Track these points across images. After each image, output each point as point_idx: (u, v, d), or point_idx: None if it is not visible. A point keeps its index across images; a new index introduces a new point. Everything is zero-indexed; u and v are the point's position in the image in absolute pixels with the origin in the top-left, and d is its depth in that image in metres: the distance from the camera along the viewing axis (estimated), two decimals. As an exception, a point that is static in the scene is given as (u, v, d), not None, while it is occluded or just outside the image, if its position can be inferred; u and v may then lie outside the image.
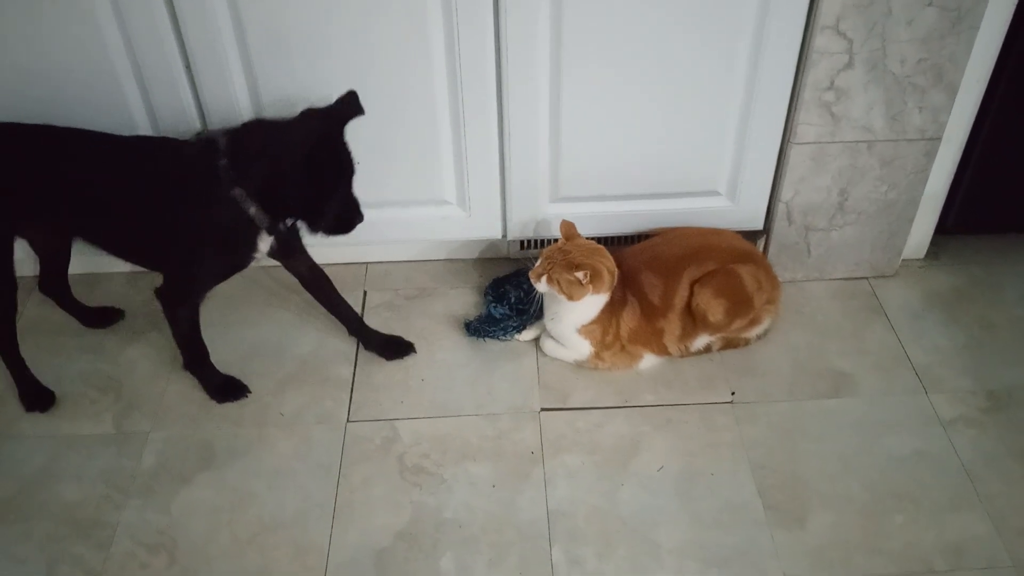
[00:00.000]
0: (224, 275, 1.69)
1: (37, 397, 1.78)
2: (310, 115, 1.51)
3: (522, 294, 1.93)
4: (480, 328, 1.90)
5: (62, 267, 1.87)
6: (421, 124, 1.78)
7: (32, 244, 1.79)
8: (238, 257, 1.62)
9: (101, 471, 1.67)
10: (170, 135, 1.76)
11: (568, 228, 1.80)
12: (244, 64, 1.69)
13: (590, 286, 1.69)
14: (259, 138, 1.50)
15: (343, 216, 1.58)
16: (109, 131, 1.60)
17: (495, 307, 1.93)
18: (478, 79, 1.72)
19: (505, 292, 1.95)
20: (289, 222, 1.59)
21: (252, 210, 1.51)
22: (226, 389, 1.80)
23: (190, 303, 1.69)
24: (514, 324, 1.90)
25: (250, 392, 1.80)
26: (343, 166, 1.54)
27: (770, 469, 1.65)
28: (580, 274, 1.68)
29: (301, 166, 1.46)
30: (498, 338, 1.89)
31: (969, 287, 2.03)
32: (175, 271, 1.66)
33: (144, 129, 1.78)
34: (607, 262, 1.73)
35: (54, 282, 1.89)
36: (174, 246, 1.59)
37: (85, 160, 1.57)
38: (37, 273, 1.88)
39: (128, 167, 1.57)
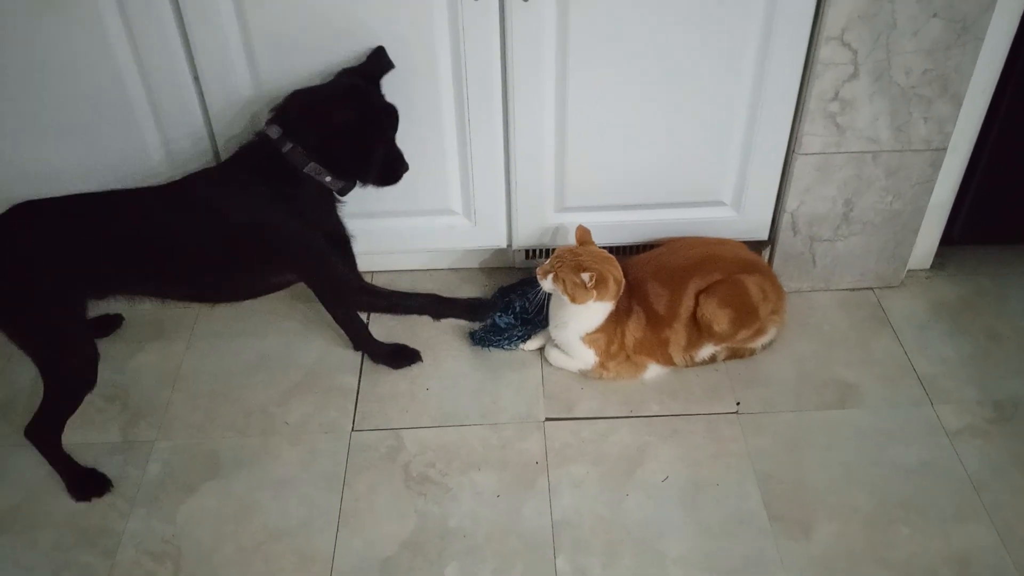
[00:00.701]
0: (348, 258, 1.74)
1: (88, 483, 1.67)
2: (346, 73, 1.61)
3: (527, 304, 1.93)
4: (485, 338, 1.90)
5: None
6: (426, 133, 1.79)
7: None
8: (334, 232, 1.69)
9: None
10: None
11: (583, 234, 1.81)
12: (250, 67, 1.70)
13: (594, 291, 1.70)
14: (307, 107, 1.57)
15: (391, 166, 1.67)
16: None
17: (500, 316, 1.93)
18: (483, 89, 1.72)
19: (510, 302, 1.95)
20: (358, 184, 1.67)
21: (328, 179, 1.60)
22: (400, 354, 1.87)
23: (350, 290, 1.71)
24: (519, 333, 1.90)
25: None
26: (387, 115, 1.62)
27: (775, 479, 1.64)
28: (586, 276, 1.68)
29: (352, 120, 1.55)
30: (503, 347, 1.90)
31: (975, 297, 2.03)
32: (315, 278, 1.70)
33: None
34: (615, 271, 1.73)
35: None
36: (294, 258, 1.66)
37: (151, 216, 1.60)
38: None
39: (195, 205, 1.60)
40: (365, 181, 1.66)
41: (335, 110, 1.56)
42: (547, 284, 1.74)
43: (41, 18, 1.60)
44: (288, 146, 1.56)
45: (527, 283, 1.97)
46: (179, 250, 1.60)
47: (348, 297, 1.74)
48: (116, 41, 1.64)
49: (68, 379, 1.59)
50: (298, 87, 1.61)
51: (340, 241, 1.73)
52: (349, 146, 1.59)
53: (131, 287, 1.65)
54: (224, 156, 1.78)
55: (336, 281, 1.70)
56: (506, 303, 1.96)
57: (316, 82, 1.68)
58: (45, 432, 1.62)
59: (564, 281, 1.71)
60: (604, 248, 1.80)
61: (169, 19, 1.62)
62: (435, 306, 1.80)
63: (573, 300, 1.71)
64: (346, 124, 1.56)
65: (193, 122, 1.75)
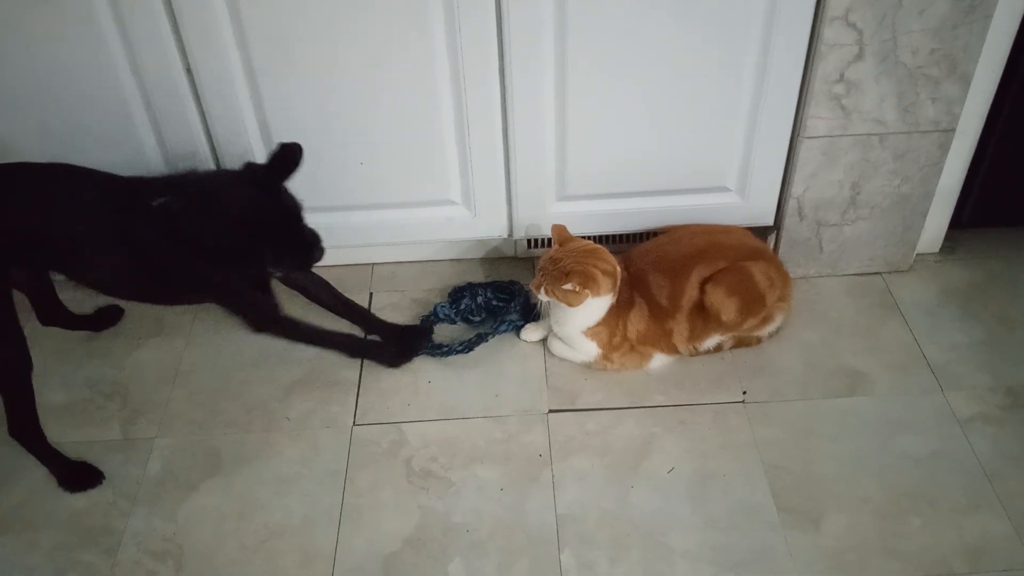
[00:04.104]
0: (260, 286, 1.71)
1: (78, 476, 1.67)
2: (247, 172, 1.54)
3: (473, 304, 1.93)
4: (435, 347, 1.87)
5: (51, 294, 1.85)
6: (424, 123, 1.76)
7: (16, 287, 1.72)
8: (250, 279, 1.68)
9: (108, 478, 1.66)
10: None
11: (560, 232, 1.78)
12: (247, 73, 1.68)
13: (587, 292, 1.67)
14: (196, 199, 1.50)
15: (297, 256, 1.59)
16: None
17: (441, 306, 1.94)
18: (481, 77, 1.69)
19: (459, 298, 1.96)
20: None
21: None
22: (398, 354, 1.83)
23: (266, 320, 1.72)
24: (458, 347, 1.86)
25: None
26: (282, 216, 1.55)
27: (784, 470, 1.62)
28: (568, 285, 1.67)
29: (236, 224, 1.49)
30: (456, 352, 1.86)
31: (986, 282, 1.99)
32: (230, 306, 1.71)
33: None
34: (602, 263, 1.70)
35: (51, 312, 1.87)
36: (206, 288, 1.65)
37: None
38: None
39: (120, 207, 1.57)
40: (272, 270, 1.68)
41: (221, 218, 1.50)
42: (542, 297, 1.73)
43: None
44: (179, 221, 1.50)
45: (476, 286, 1.98)
46: (104, 244, 1.56)
47: (264, 326, 1.74)
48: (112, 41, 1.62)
49: (3, 366, 1.56)
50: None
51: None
52: (235, 250, 1.54)
53: (46, 264, 1.65)
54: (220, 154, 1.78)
55: (251, 310, 1.71)
56: (455, 299, 1.96)
57: (311, 78, 1.66)
58: (22, 427, 1.61)
59: (554, 293, 1.69)
60: (607, 237, 1.78)
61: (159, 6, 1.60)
62: (352, 347, 1.83)
63: (570, 306, 1.69)
64: (235, 250, 1.53)
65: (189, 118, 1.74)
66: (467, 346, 1.86)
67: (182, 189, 1.52)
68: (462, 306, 1.95)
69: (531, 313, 1.91)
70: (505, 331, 1.90)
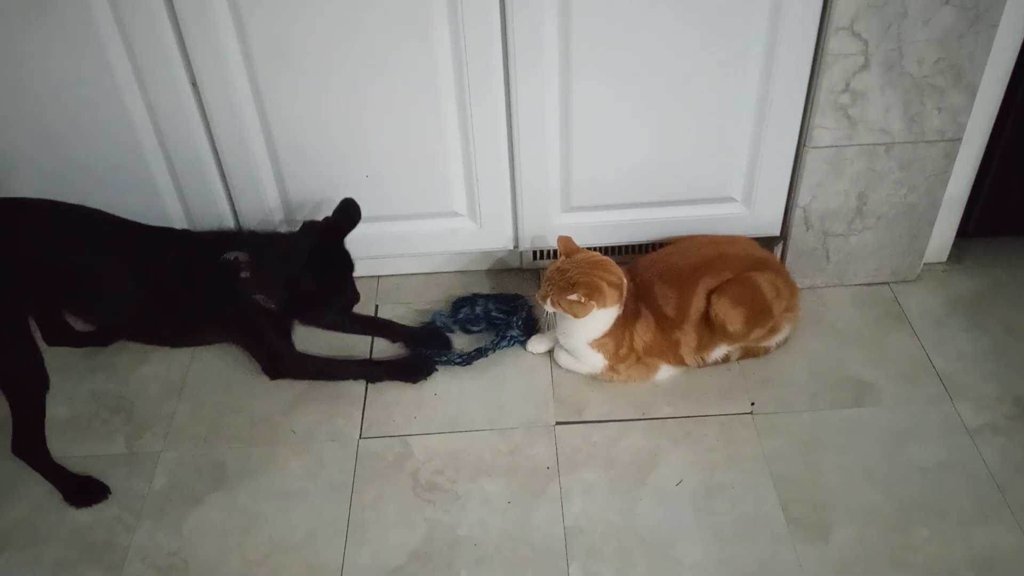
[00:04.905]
0: (283, 330, 1.82)
1: (84, 491, 1.66)
2: (309, 229, 1.71)
3: (471, 314, 1.93)
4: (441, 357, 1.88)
5: (58, 315, 1.87)
6: (429, 135, 1.76)
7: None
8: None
9: (113, 492, 1.66)
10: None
11: (566, 243, 1.77)
12: (252, 88, 1.68)
13: (592, 303, 1.66)
14: (279, 265, 1.67)
15: (345, 304, 1.77)
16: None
17: (440, 314, 1.94)
18: (485, 88, 1.69)
19: (459, 307, 1.96)
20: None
21: (271, 306, 1.70)
22: (416, 369, 1.84)
23: (284, 363, 1.80)
24: (462, 355, 1.86)
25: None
26: (342, 270, 1.73)
27: (792, 482, 1.61)
28: (573, 296, 1.66)
29: (308, 277, 1.66)
30: (454, 363, 1.86)
31: (993, 291, 1.99)
32: (248, 347, 1.82)
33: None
34: (608, 275, 1.69)
35: (57, 332, 1.89)
36: (229, 330, 1.78)
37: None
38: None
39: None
40: (323, 318, 1.89)
41: (303, 280, 1.66)
42: (548, 308, 1.72)
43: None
44: (246, 274, 1.65)
45: (478, 296, 1.98)
46: (123, 289, 1.66)
47: (283, 370, 1.81)
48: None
49: (21, 386, 1.58)
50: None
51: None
52: (305, 307, 1.74)
53: (66, 305, 1.71)
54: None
55: (272, 353, 1.79)
56: (455, 308, 1.96)
57: (314, 90, 1.67)
58: (27, 445, 1.61)
59: (560, 304, 1.68)
60: (613, 249, 1.77)
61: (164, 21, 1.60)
62: (370, 373, 1.83)
63: (576, 317, 1.68)
64: (309, 295, 1.68)
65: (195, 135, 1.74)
66: (465, 359, 1.85)
67: (249, 244, 1.67)
68: (460, 315, 1.94)
69: (533, 328, 1.91)
70: (506, 346, 1.89)
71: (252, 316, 1.71)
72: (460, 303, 1.97)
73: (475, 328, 1.93)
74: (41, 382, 1.58)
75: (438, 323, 1.94)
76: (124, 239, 1.68)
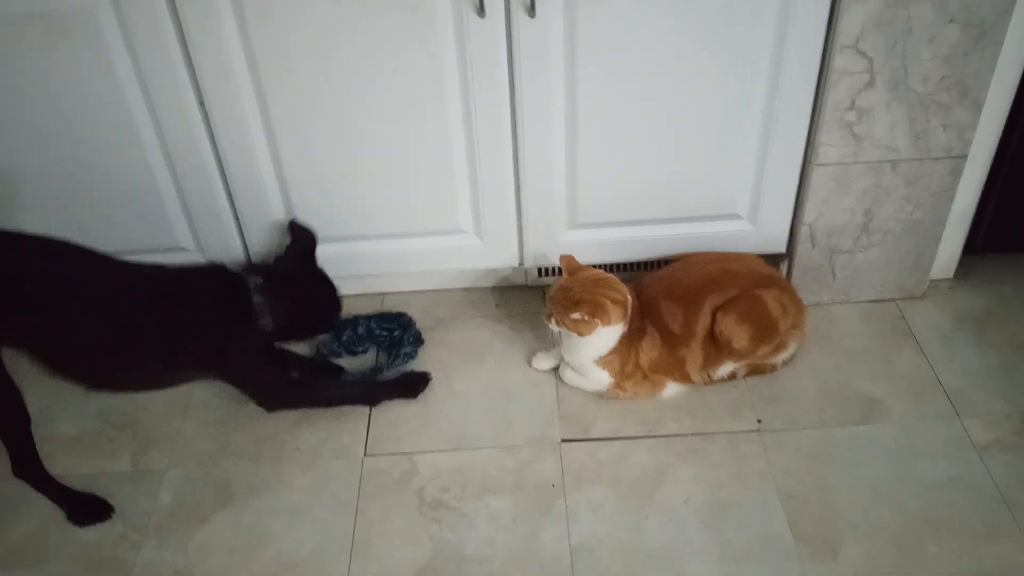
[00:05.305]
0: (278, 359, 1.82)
1: (87, 510, 1.65)
2: (292, 253, 1.77)
3: (354, 335, 1.93)
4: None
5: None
6: (435, 152, 1.77)
7: None
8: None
9: (118, 509, 1.65)
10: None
11: (568, 262, 1.78)
12: (259, 103, 1.69)
13: (596, 320, 1.66)
14: (293, 293, 1.72)
15: (335, 319, 1.85)
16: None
17: (323, 342, 1.94)
18: (491, 105, 1.70)
19: (340, 332, 1.94)
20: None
21: (270, 328, 1.68)
22: (413, 384, 1.84)
23: (282, 392, 1.76)
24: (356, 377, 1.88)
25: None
26: (329, 286, 1.79)
27: (800, 499, 1.60)
28: (576, 315, 1.66)
29: (313, 296, 1.76)
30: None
31: (1000, 307, 1.98)
32: (241, 384, 1.73)
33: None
34: (612, 292, 1.70)
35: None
36: (223, 368, 1.70)
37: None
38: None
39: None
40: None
41: (309, 300, 1.75)
42: (553, 327, 1.72)
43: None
44: (259, 299, 1.64)
45: (364, 316, 1.97)
46: (104, 327, 1.55)
47: (280, 401, 1.77)
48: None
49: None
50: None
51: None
52: (305, 326, 1.79)
53: (29, 347, 1.54)
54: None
55: (264, 383, 1.74)
56: (340, 329, 1.95)
57: (318, 101, 1.67)
58: (24, 466, 1.60)
59: (564, 323, 1.69)
60: (619, 266, 1.77)
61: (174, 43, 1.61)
62: (369, 396, 1.82)
63: (581, 335, 1.68)
64: (312, 314, 1.76)
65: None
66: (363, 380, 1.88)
67: (262, 273, 1.68)
68: (344, 338, 1.93)
69: (422, 343, 1.93)
70: (402, 364, 1.88)
71: (252, 345, 1.68)
72: (342, 326, 1.95)
73: (359, 349, 1.93)
74: (20, 417, 1.55)
75: (323, 352, 1.93)
76: (99, 273, 1.57)
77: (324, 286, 1.78)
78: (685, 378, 1.78)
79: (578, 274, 1.75)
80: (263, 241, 1.88)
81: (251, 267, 1.76)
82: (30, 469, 1.61)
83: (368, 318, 1.96)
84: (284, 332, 1.72)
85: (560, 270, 1.82)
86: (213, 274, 1.67)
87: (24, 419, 1.56)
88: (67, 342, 1.55)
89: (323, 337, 1.94)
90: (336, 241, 1.88)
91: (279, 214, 1.85)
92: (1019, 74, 1.71)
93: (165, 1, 1.55)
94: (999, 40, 1.63)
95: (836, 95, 1.68)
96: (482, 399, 1.82)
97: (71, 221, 1.81)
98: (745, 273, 1.79)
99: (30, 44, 1.60)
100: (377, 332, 1.93)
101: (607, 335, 1.71)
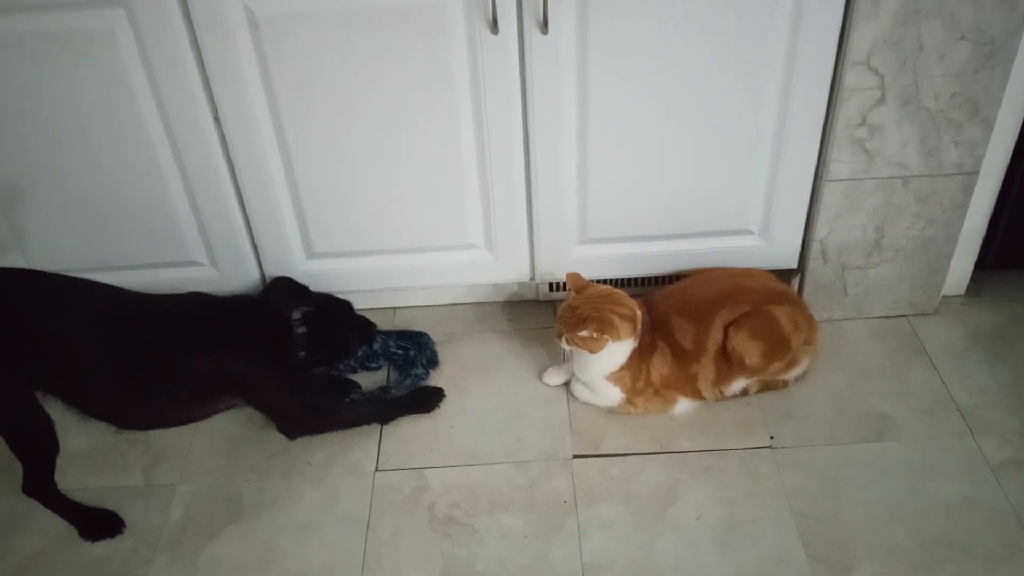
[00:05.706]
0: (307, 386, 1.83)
1: (98, 525, 1.66)
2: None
3: (369, 351, 1.93)
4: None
5: None
6: (447, 167, 1.77)
7: None
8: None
9: (129, 524, 1.65)
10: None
11: (575, 279, 1.78)
12: (273, 119, 1.70)
13: (605, 337, 1.66)
14: (330, 326, 1.81)
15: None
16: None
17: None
18: (503, 120, 1.70)
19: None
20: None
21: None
22: (427, 399, 1.85)
23: (306, 421, 1.78)
24: (366, 395, 1.88)
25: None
26: (354, 314, 1.88)
27: (813, 517, 1.59)
28: (584, 332, 1.66)
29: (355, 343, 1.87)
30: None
31: (1012, 324, 1.97)
32: (265, 409, 1.78)
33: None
34: (619, 308, 1.69)
35: None
36: (251, 393, 1.76)
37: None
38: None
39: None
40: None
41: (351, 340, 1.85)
42: (564, 346, 1.72)
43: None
44: (301, 330, 1.73)
45: (383, 332, 1.96)
46: (126, 367, 1.61)
47: (303, 428, 1.78)
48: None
49: (29, 450, 1.57)
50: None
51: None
52: (337, 354, 1.86)
53: (55, 389, 1.60)
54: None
55: (291, 411, 1.77)
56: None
57: (333, 123, 1.68)
58: (37, 488, 1.60)
59: (574, 341, 1.69)
60: (630, 281, 1.77)
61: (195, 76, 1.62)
62: (383, 415, 1.82)
63: (591, 352, 1.68)
64: (345, 341, 1.84)
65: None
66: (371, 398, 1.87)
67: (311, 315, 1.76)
68: (359, 353, 1.92)
69: (436, 365, 1.92)
70: (411, 385, 1.87)
71: (287, 377, 1.73)
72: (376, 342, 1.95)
73: (373, 365, 1.93)
74: (50, 447, 1.57)
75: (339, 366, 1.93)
76: (115, 310, 1.65)
77: (353, 314, 1.84)
78: (697, 394, 1.77)
79: (585, 291, 1.75)
80: (276, 256, 1.88)
81: (291, 298, 1.79)
82: (43, 489, 1.61)
83: (387, 334, 1.96)
84: (317, 361, 1.78)
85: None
86: (255, 307, 1.74)
87: (53, 448, 1.58)
88: (91, 386, 1.61)
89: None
90: (348, 256, 1.89)
91: (292, 228, 1.85)
92: (1031, 91, 1.72)
93: (183, 20, 1.57)
94: (1010, 58, 1.63)
95: (847, 111, 1.68)
96: (493, 415, 1.82)
97: (85, 234, 1.83)
98: (757, 289, 1.79)
99: (48, 62, 1.61)
100: (393, 350, 1.93)
101: (618, 351, 1.71)
